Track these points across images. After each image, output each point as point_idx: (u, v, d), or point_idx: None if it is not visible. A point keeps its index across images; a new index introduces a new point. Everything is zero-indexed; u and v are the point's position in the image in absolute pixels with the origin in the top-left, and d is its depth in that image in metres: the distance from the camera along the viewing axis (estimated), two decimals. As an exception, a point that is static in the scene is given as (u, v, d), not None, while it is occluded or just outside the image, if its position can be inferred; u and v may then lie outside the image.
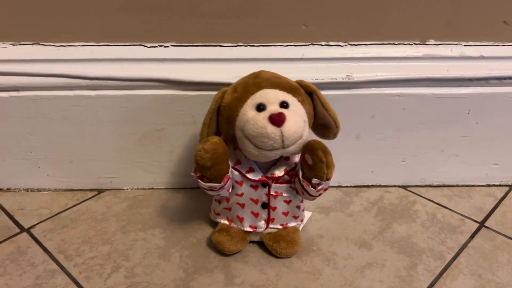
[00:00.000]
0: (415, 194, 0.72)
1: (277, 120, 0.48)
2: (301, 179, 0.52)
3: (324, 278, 0.55)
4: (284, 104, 0.51)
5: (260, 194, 0.56)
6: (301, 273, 0.56)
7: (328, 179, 0.50)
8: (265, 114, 0.49)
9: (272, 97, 0.51)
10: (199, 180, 0.52)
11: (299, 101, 0.53)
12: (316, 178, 0.50)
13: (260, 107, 0.50)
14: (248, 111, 0.51)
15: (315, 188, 0.51)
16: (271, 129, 0.48)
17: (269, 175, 0.55)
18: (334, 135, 0.56)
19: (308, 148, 0.50)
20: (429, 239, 0.62)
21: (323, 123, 0.56)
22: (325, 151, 0.49)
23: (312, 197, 0.54)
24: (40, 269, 0.57)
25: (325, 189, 0.53)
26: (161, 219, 0.66)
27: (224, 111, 0.53)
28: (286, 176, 0.55)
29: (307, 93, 0.55)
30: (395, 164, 0.72)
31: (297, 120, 0.50)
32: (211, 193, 0.54)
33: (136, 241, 0.61)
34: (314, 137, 0.54)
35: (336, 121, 0.55)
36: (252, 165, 0.55)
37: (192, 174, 0.52)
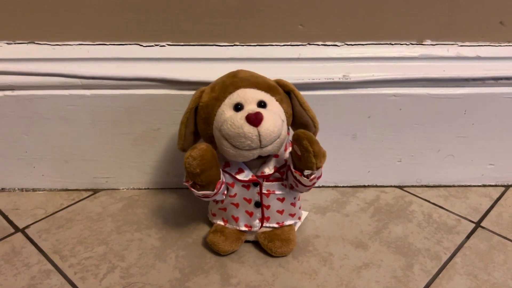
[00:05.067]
0: (412, 194, 0.72)
1: (254, 119, 0.48)
2: (293, 170, 0.52)
3: (320, 278, 0.55)
4: (261, 104, 0.51)
5: (253, 193, 0.56)
6: (298, 273, 0.56)
7: (318, 167, 0.49)
8: (242, 114, 0.49)
9: (249, 97, 0.51)
10: (192, 189, 0.52)
11: (277, 100, 0.53)
12: (306, 169, 0.50)
13: (238, 107, 0.51)
14: (225, 111, 0.51)
15: (307, 178, 0.51)
16: (248, 129, 0.48)
17: (259, 174, 0.55)
18: (313, 135, 0.55)
19: (295, 139, 0.49)
20: (425, 239, 0.62)
21: (301, 122, 0.56)
22: (311, 141, 0.48)
23: (306, 187, 0.53)
24: (35, 269, 0.56)
25: (318, 178, 0.53)
26: (157, 220, 0.66)
27: (202, 111, 0.53)
28: (276, 173, 0.55)
29: (286, 92, 0.55)
30: (392, 164, 0.72)
31: (275, 120, 0.49)
32: (206, 199, 0.54)
33: (131, 242, 0.61)
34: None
35: (314, 121, 0.55)
36: (241, 165, 0.55)
37: (184, 183, 0.52)
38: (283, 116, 0.52)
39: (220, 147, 0.51)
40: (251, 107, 0.50)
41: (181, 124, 0.54)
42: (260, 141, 0.48)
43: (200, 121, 0.54)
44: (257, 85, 0.52)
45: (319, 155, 0.49)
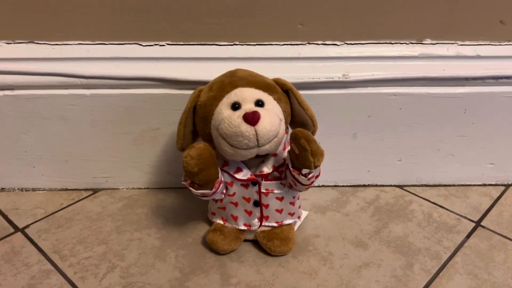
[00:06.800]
0: (412, 193, 0.72)
1: (251, 119, 0.48)
2: (291, 169, 0.51)
3: (320, 277, 0.55)
4: (259, 103, 0.51)
5: (251, 192, 0.56)
6: (297, 272, 0.56)
7: (316, 166, 0.49)
8: (239, 113, 0.49)
9: (247, 96, 0.51)
10: (191, 188, 0.52)
11: (275, 99, 0.53)
12: (304, 168, 0.50)
13: (235, 106, 0.51)
14: (223, 110, 0.51)
15: (306, 177, 0.51)
16: (245, 127, 0.48)
17: (257, 173, 0.55)
18: (312, 133, 0.55)
19: (292, 137, 0.49)
20: (425, 238, 0.62)
21: (300, 121, 0.56)
22: (308, 139, 0.48)
23: (304, 186, 0.53)
24: (34, 269, 0.56)
25: (317, 176, 0.52)
26: (157, 219, 0.66)
27: (200, 110, 0.53)
28: (275, 172, 0.55)
29: (284, 91, 0.55)
30: (392, 163, 0.72)
31: (272, 119, 0.49)
32: (205, 198, 0.54)
33: (131, 241, 0.61)
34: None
35: (313, 119, 0.55)
36: (240, 165, 0.55)
37: (183, 183, 0.52)
38: (281, 115, 0.52)
39: (218, 146, 0.52)
40: (248, 106, 0.50)
41: (180, 123, 0.54)
42: (257, 140, 0.48)
43: (198, 120, 0.54)
44: (255, 84, 0.52)
45: (317, 154, 0.48)
